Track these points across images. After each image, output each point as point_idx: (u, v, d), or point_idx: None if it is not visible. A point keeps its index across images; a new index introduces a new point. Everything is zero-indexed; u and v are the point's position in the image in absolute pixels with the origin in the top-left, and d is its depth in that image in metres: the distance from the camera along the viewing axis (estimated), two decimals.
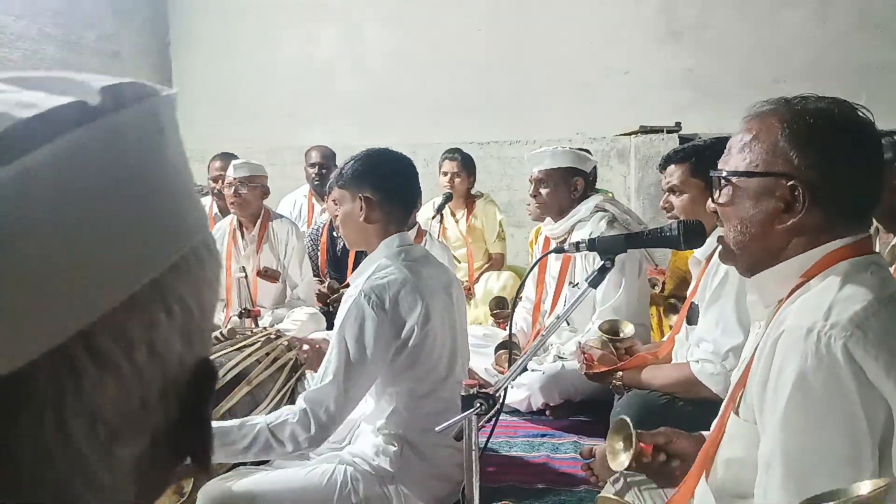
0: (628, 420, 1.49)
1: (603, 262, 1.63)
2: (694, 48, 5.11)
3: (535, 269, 3.09)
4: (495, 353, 3.00)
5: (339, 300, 3.79)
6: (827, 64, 4.91)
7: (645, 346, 2.49)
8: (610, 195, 4.19)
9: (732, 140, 1.22)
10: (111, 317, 0.30)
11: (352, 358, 1.84)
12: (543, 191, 2.89)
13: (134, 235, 0.31)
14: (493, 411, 1.56)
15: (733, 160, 1.18)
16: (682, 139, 4.79)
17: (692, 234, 1.58)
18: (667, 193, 2.23)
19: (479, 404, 1.55)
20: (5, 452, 0.29)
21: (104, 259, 0.30)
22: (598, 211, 2.84)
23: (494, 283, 4.02)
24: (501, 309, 3.55)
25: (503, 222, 4.38)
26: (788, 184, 1.10)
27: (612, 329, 2.41)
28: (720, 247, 1.28)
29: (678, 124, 4.87)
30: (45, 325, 0.28)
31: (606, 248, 1.63)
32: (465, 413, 1.54)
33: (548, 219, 3.01)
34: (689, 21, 5.12)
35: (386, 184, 1.95)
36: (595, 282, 1.63)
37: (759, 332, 1.22)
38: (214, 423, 1.88)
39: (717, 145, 2.19)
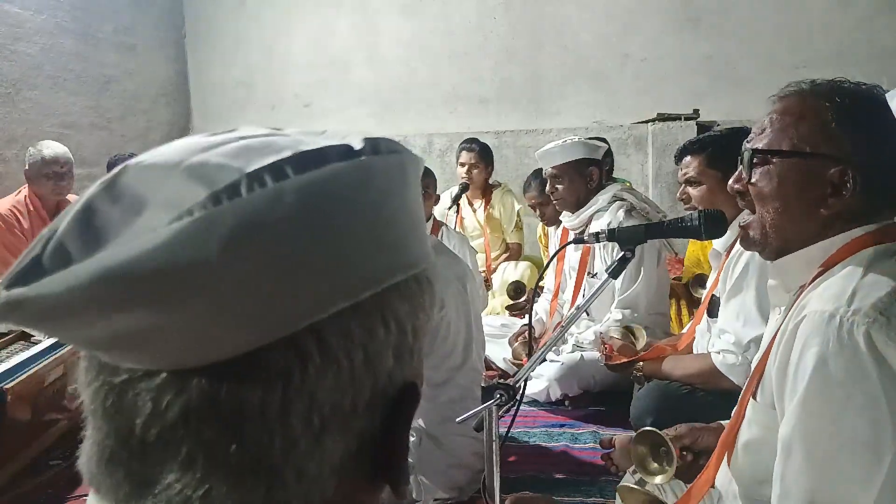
0: (656, 430, 1.46)
1: (623, 252, 1.62)
2: (713, 34, 5.04)
3: (555, 261, 3.08)
4: (511, 342, 2.99)
5: None
6: (850, 49, 4.83)
7: (664, 340, 2.47)
8: (627, 184, 4.15)
9: (767, 118, 1.17)
10: (338, 317, 0.36)
11: None
12: (559, 186, 2.86)
13: (365, 252, 0.37)
14: (513, 402, 1.56)
15: (771, 139, 1.13)
16: (701, 126, 4.74)
17: (714, 223, 1.56)
18: (683, 185, 2.20)
19: (499, 395, 1.54)
20: (238, 412, 0.34)
21: (339, 266, 0.35)
22: (615, 200, 2.81)
23: (512, 273, 4.01)
24: (519, 293, 3.53)
25: (520, 212, 4.36)
26: (839, 167, 1.07)
27: (626, 337, 2.41)
28: (741, 235, 1.26)
29: (696, 111, 4.82)
30: (287, 313, 0.34)
31: (626, 239, 1.62)
32: (486, 404, 1.53)
33: (565, 211, 2.98)
34: (708, 6, 5.05)
35: None
36: (615, 272, 1.62)
37: (778, 318, 1.20)
38: None
39: (735, 135, 2.17)
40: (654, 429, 1.48)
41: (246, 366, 0.34)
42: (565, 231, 3.06)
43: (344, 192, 0.36)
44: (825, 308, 1.00)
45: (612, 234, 1.65)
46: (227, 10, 5.71)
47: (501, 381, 1.58)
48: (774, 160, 1.12)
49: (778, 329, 1.12)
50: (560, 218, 3.12)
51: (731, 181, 1.22)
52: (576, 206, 2.89)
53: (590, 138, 3.45)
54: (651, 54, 5.12)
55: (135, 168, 0.36)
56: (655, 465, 1.46)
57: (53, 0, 4.53)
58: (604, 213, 2.79)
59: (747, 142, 1.19)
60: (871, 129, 1.08)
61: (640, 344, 2.37)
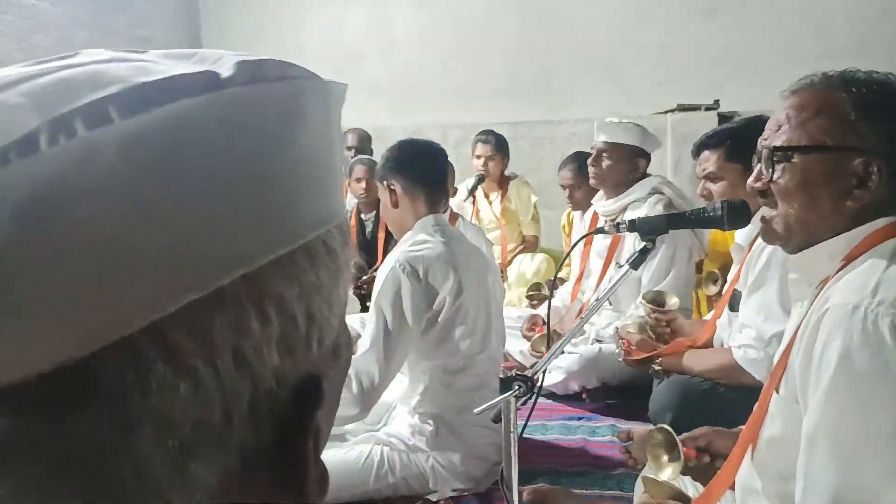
0: (668, 428, 1.45)
1: (644, 243, 1.60)
2: (733, 23, 4.97)
3: (582, 245, 3.05)
4: (523, 330, 2.96)
5: (368, 283, 3.81)
6: (873, 38, 4.74)
7: (686, 322, 2.44)
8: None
9: (783, 113, 1.16)
10: (189, 312, 0.26)
11: (390, 325, 1.89)
12: (604, 163, 2.82)
13: (226, 222, 0.27)
14: (531, 393, 1.55)
15: (790, 135, 1.12)
16: (721, 117, 4.67)
17: (737, 213, 1.53)
18: (703, 181, 2.17)
19: (517, 386, 1.54)
20: (64, 446, 0.25)
21: (185, 245, 0.26)
22: (654, 193, 2.77)
23: (528, 266, 3.99)
24: (538, 292, 3.51)
25: (537, 204, 4.33)
26: (863, 158, 1.06)
27: (656, 300, 2.37)
28: (762, 228, 1.23)
29: (716, 102, 4.75)
30: (112, 311, 0.25)
31: (648, 230, 1.59)
32: (504, 395, 1.53)
33: (599, 193, 2.95)
34: None
35: (407, 170, 2.04)
36: (636, 263, 1.60)
37: (801, 311, 1.19)
38: None
39: (753, 125, 2.14)
40: (666, 426, 1.47)
41: (66, 384, 0.25)
42: (595, 215, 3.03)
43: (192, 140, 0.26)
44: (848, 300, 0.99)
45: (632, 225, 1.62)
46: (242, 3, 5.71)
47: (519, 372, 1.57)
48: (796, 156, 1.11)
49: (800, 323, 1.11)
50: (591, 201, 3.09)
51: (749, 180, 1.20)
52: (612, 188, 2.85)
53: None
54: (668, 44, 5.06)
55: None
56: (666, 459, 1.45)
57: None
58: (641, 205, 2.75)
59: (763, 140, 1.18)
60: (892, 118, 1.07)
61: (672, 304, 2.33)
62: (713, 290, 2.88)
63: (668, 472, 1.43)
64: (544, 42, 5.25)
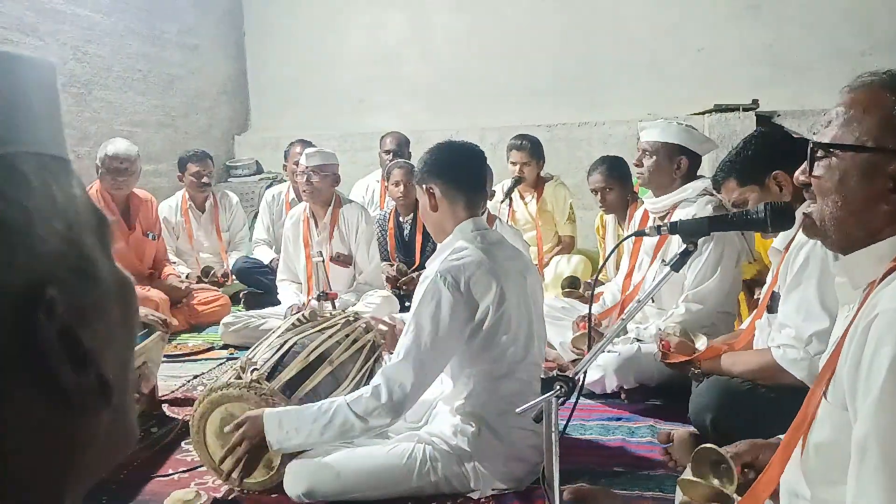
0: (715, 447, 1.44)
1: (685, 245, 1.62)
2: (774, 21, 4.92)
3: (631, 242, 3.08)
4: (574, 327, 2.98)
5: (408, 283, 3.88)
6: None
7: (721, 338, 2.45)
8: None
9: (835, 110, 1.16)
10: None
11: (427, 337, 1.89)
12: (647, 161, 2.86)
13: None
14: (572, 394, 1.58)
15: (836, 132, 1.12)
16: (759, 117, 4.63)
17: (780, 215, 1.54)
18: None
19: (559, 387, 1.55)
20: None
21: None
22: (705, 194, 2.78)
23: (565, 267, 4.00)
24: (574, 289, 3.53)
25: (573, 204, 4.35)
26: None
27: (685, 335, 2.40)
28: (803, 223, 1.23)
29: (755, 101, 4.71)
30: None
31: (689, 232, 1.60)
32: (545, 395, 1.55)
33: (650, 192, 2.98)
34: None
35: (447, 174, 2.03)
36: (677, 265, 1.61)
37: (847, 316, 1.18)
38: (296, 406, 1.97)
39: (752, 143, 2.20)
40: (713, 446, 1.47)
41: None
42: (646, 214, 3.05)
43: None
44: None
45: (673, 227, 1.64)
46: (285, 8, 5.83)
47: (561, 373, 1.60)
48: (836, 154, 1.11)
49: (848, 328, 1.11)
50: (643, 198, 3.11)
51: (797, 172, 1.20)
52: (658, 187, 2.88)
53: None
54: (709, 43, 5.03)
55: None
56: (716, 481, 1.44)
57: (122, 3, 4.72)
58: (690, 205, 2.76)
59: (813, 134, 1.18)
60: None
61: (699, 346, 2.36)
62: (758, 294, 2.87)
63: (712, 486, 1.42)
64: (583, 44, 5.26)
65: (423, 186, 2.06)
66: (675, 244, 2.81)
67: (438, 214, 2.07)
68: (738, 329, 2.63)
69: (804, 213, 1.22)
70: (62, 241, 0.36)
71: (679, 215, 2.75)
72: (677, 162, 2.80)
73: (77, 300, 0.36)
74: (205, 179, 4.39)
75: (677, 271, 1.65)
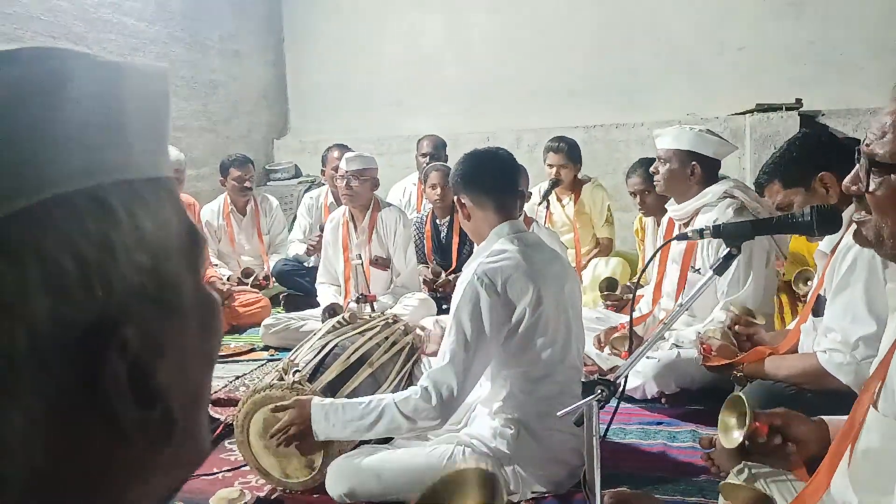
0: (743, 397, 1.42)
1: (728, 248, 1.60)
2: (817, 19, 4.81)
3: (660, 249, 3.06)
4: (604, 337, 2.96)
5: (444, 285, 3.90)
6: None
7: (768, 335, 2.41)
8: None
9: (889, 118, 1.09)
10: None
11: (468, 338, 1.91)
12: (662, 168, 2.85)
13: None
14: (613, 398, 1.58)
15: (893, 147, 1.06)
16: (803, 116, 4.54)
17: (827, 219, 1.52)
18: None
19: (599, 391, 1.56)
20: None
21: None
22: (725, 197, 2.74)
23: (603, 270, 3.97)
24: (612, 291, 3.51)
25: (611, 206, 4.31)
26: None
27: (726, 337, 2.37)
28: (855, 232, 1.21)
29: (798, 101, 4.62)
30: None
31: (732, 235, 1.59)
32: (587, 399, 1.55)
33: (672, 199, 2.95)
34: None
35: (472, 182, 2.07)
36: (720, 269, 1.60)
37: None
38: (342, 401, 2.00)
39: (795, 147, 2.17)
40: (742, 395, 1.45)
41: None
42: (671, 222, 3.02)
43: None
44: None
45: (717, 231, 1.63)
46: (323, 14, 5.91)
47: (601, 377, 1.59)
48: (894, 172, 1.06)
49: None
50: (665, 206, 3.08)
51: (847, 181, 1.15)
52: (677, 194, 2.86)
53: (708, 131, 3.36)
54: (750, 42, 4.94)
55: None
56: (735, 424, 1.43)
57: (166, 12, 4.84)
58: (712, 209, 2.73)
59: (866, 143, 1.11)
60: None
61: (759, 321, 2.34)
62: (804, 289, 2.82)
63: (734, 436, 1.42)
64: (621, 44, 5.22)
65: (456, 198, 2.12)
66: (701, 251, 2.78)
67: (473, 222, 2.11)
68: (781, 330, 2.58)
69: (856, 222, 1.19)
70: (145, 274, 0.36)
71: (701, 221, 2.73)
72: (691, 168, 2.77)
73: (154, 333, 0.35)
74: (247, 184, 4.46)
75: (720, 275, 1.64)
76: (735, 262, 2.60)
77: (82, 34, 4.22)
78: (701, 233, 1.65)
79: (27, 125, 0.32)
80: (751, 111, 4.65)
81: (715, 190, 2.76)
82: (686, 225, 2.85)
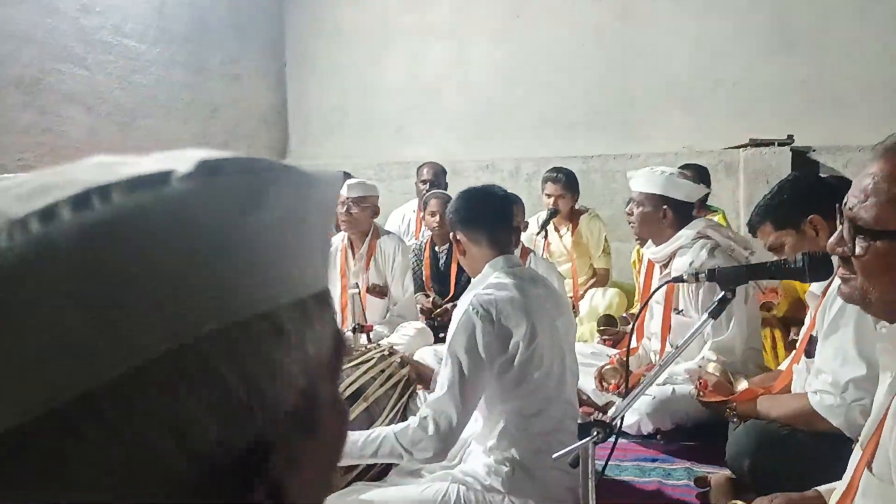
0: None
1: (723, 293, 1.63)
2: (809, 57, 4.90)
3: (641, 289, 3.08)
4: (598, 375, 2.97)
5: (442, 315, 3.91)
6: None
7: (758, 378, 2.44)
8: (720, 213, 4.09)
9: (870, 178, 1.10)
10: (120, 384, 0.29)
11: (465, 369, 1.92)
12: (636, 211, 2.88)
13: (158, 302, 0.30)
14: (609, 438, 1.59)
15: (878, 212, 1.07)
16: (795, 152, 4.61)
17: (819, 266, 1.55)
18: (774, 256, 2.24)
19: (595, 432, 1.57)
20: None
21: (118, 319, 0.29)
22: (700, 238, 2.78)
23: (600, 301, 4.00)
24: (610, 326, 3.52)
25: (608, 237, 4.35)
26: None
27: (724, 375, 2.40)
28: (840, 290, 1.20)
29: (790, 137, 4.69)
30: (44, 385, 0.28)
31: (728, 280, 1.63)
32: (583, 441, 1.56)
33: (649, 241, 2.98)
34: (804, 29, 4.92)
35: (464, 218, 2.11)
36: (715, 312, 1.63)
37: (891, 384, 1.16)
38: None
39: (786, 188, 2.22)
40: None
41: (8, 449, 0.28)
42: (651, 263, 3.05)
43: (135, 232, 0.29)
44: None
45: (711, 275, 1.66)
46: (325, 39, 5.97)
47: (597, 418, 1.61)
48: (880, 239, 1.07)
49: (892, 400, 1.10)
50: (643, 248, 3.12)
51: (831, 242, 1.17)
52: (652, 236, 2.90)
53: (684, 169, 3.39)
54: (744, 78, 5.03)
55: None
56: None
57: (168, 34, 4.88)
58: (687, 251, 2.76)
59: (848, 207, 1.13)
60: None
61: (739, 387, 2.35)
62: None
63: None
64: (620, 77, 5.29)
65: (452, 234, 2.16)
66: (682, 293, 2.80)
67: (468, 258, 2.15)
68: (773, 371, 2.61)
69: (840, 278, 1.19)
70: (299, 394, 0.35)
71: (678, 263, 2.77)
72: (663, 212, 2.80)
73: (295, 453, 0.35)
74: None
75: (716, 318, 1.67)
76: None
77: (81, 56, 4.25)
78: (697, 276, 1.68)
79: (222, 246, 0.31)
80: (744, 146, 4.71)
81: (688, 233, 2.79)
82: (665, 266, 2.89)
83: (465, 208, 2.13)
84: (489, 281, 2.05)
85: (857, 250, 1.10)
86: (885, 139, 1.20)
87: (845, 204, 1.16)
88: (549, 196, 4.18)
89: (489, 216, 2.13)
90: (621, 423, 1.63)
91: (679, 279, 1.75)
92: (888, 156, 1.11)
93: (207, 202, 0.31)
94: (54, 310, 0.28)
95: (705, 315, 1.63)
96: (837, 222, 1.20)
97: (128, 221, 0.29)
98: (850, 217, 1.12)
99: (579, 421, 1.70)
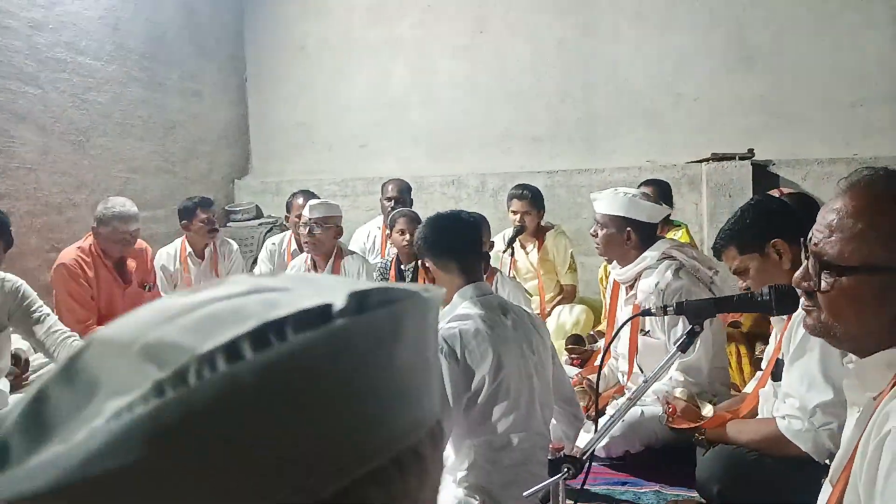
0: None
1: (692, 325, 1.63)
2: (767, 73, 5.00)
3: (608, 309, 3.09)
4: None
5: None
6: None
7: (725, 404, 2.45)
8: (683, 228, 4.13)
9: (834, 214, 1.12)
10: None
11: None
12: (600, 232, 2.88)
13: (326, 440, 0.31)
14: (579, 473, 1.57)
15: (841, 248, 1.09)
16: (755, 166, 4.69)
17: (785, 298, 1.56)
18: (735, 283, 2.25)
19: (566, 469, 1.56)
20: None
21: (292, 457, 0.30)
22: (664, 259, 2.79)
23: (567, 317, 4.00)
24: (577, 345, 3.52)
25: (574, 253, 4.36)
26: None
27: (691, 399, 2.40)
28: (804, 322, 1.20)
29: (751, 151, 4.77)
30: None
31: (695, 313, 1.63)
32: (553, 478, 1.55)
33: (615, 262, 2.99)
34: (761, 45, 5.02)
35: (436, 245, 2.10)
36: (684, 346, 1.64)
37: (858, 419, 1.16)
38: None
39: (751, 211, 2.24)
40: None
41: None
42: (616, 284, 3.06)
43: (309, 368, 0.31)
44: None
45: (679, 308, 1.67)
46: (287, 54, 5.89)
47: (567, 453, 1.59)
48: (846, 275, 1.08)
49: (861, 436, 1.09)
50: (609, 268, 3.12)
51: (797, 277, 1.17)
52: (614, 257, 2.91)
53: (646, 185, 3.41)
54: (705, 94, 5.10)
55: (97, 343, 0.33)
56: None
57: (124, 50, 4.75)
58: (653, 272, 2.77)
59: (813, 243, 1.13)
60: None
61: (704, 412, 2.36)
62: (761, 349, 2.87)
63: None
64: (583, 92, 5.32)
65: (421, 262, 2.16)
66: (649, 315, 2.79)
67: (438, 286, 2.10)
68: (740, 395, 2.62)
69: (805, 310, 1.20)
70: None
71: (643, 284, 2.78)
72: (626, 233, 2.81)
73: None
74: (216, 226, 4.37)
75: (684, 352, 1.67)
76: (679, 326, 2.64)
77: (34, 74, 4.11)
78: (664, 309, 1.68)
79: (376, 378, 0.33)
80: (707, 160, 4.77)
81: (653, 254, 2.80)
82: (630, 287, 2.89)
83: (434, 234, 2.11)
84: (456, 312, 2.03)
85: (823, 286, 1.11)
86: (850, 174, 1.21)
87: (810, 239, 1.17)
88: (514, 213, 4.17)
89: (459, 245, 2.11)
90: (591, 460, 1.62)
91: (647, 312, 1.75)
92: (852, 192, 1.12)
93: (362, 337, 0.33)
94: (242, 446, 0.30)
95: (674, 348, 1.64)
96: (803, 256, 1.21)
97: (301, 359, 0.31)
98: (816, 252, 1.13)
99: (549, 457, 1.69)
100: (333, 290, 0.34)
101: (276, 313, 0.32)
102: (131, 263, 3.76)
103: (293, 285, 0.35)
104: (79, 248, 3.58)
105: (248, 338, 0.30)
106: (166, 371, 0.30)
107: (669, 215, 3.83)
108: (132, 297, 3.78)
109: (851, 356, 1.20)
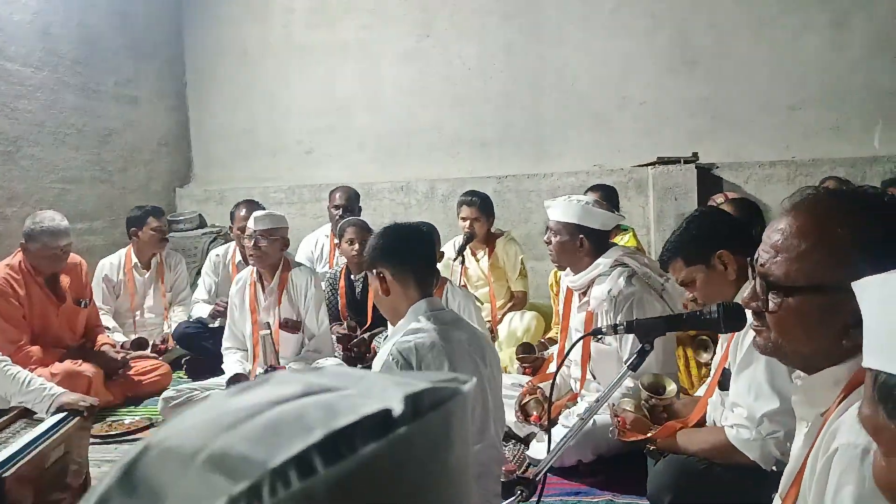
0: None
1: (642, 344, 1.63)
2: (709, 76, 5.10)
3: (562, 315, 3.08)
4: (520, 398, 2.96)
5: (359, 345, 3.80)
6: (844, 90, 4.88)
7: (680, 402, 2.47)
8: (630, 231, 4.17)
9: (780, 235, 1.12)
10: None
11: None
12: (553, 240, 2.89)
13: None
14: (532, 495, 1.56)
15: (787, 268, 1.10)
16: (700, 169, 4.77)
17: (733, 316, 1.57)
18: (685, 291, 2.26)
19: (519, 491, 1.55)
20: None
21: None
22: (617, 266, 2.81)
23: (518, 324, 4.00)
24: (528, 354, 3.51)
25: (524, 259, 4.36)
26: None
27: (654, 386, 2.40)
28: (755, 341, 1.21)
29: (695, 154, 4.86)
30: None
31: (646, 332, 1.63)
32: (507, 501, 1.54)
33: (568, 269, 2.99)
34: (704, 49, 5.11)
35: (395, 256, 2.04)
36: (635, 365, 1.64)
37: (806, 434, 1.17)
38: None
39: (695, 223, 2.26)
40: None
41: None
42: (569, 291, 3.06)
43: (377, 480, 0.32)
44: (858, 441, 0.97)
45: (630, 326, 1.66)
46: (228, 58, 5.74)
47: (521, 475, 1.57)
48: (792, 295, 1.09)
49: (808, 452, 1.10)
50: (562, 275, 3.13)
51: (745, 297, 1.18)
52: (567, 264, 2.92)
53: (592, 191, 3.42)
54: (650, 97, 5.17)
55: (156, 451, 0.33)
56: None
57: (55, 56, 4.55)
58: (605, 279, 2.78)
59: (760, 263, 1.14)
60: (893, 255, 1.02)
61: (670, 390, 2.37)
62: (705, 357, 2.92)
63: None
64: (530, 96, 5.34)
65: (374, 271, 2.06)
66: (602, 319, 2.81)
67: (391, 298, 2.06)
68: (691, 397, 2.65)
69: (755, 330, 1.21)
70: None
71: (596, 291, 2.79)
72: (579, 240, 2.83)
73: None
74: (167, 235, 4.25)
75: (635, 371, 1.67)
76: (632, 337, 2.66)
77: None
78: (615, 328, 1.68)
79: (435, 485, 0.35)
80: (653, 163, 4.84)
81: (605, 261, 2.81)
82: (583, 294, 2.90)
83: (395, 244, 2.06)
84: (410, 326, 1.99)
85: (771, 306, 1.12)
86: (793, 194, 1.22)
87: (756, 259, 1.18)
88: (464, 219, 4.15)
89: (418, 257, 2.07)
90: (544, 480, 1.60)
91: (598, 332, 1.74)
92: (796, 211, 1.13)
93: (421, 443, 0.34)
94: None
95: (625, 367, 1.63)
96: (750, 275, 1.21)
97: (369, 470, 0.32)
98: (762, 273, 1.14)
99: (503, 479, 1.67)
100: (385, 391, 0.35)
101: (340, 422, 0.32)
102: (65, 279, 3.58)
103: (343, 383, 0.36)
104: (8, 265, 3.40)
105: (318, 450, 0.31)
106: (240, 485, 0.30)
107: (610, 236, 3.86)
108: (67, 314, 3.61)
109: (799, 372, 1.21)
